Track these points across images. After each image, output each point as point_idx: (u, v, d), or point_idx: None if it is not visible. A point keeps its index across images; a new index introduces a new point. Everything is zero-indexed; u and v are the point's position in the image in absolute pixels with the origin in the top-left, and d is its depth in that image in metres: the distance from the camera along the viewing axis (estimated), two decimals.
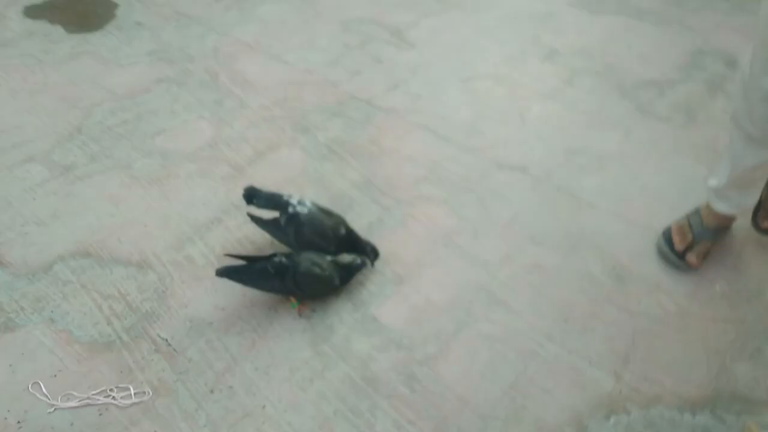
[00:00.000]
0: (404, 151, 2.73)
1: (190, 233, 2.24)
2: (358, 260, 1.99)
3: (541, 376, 1.82)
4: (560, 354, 1.88)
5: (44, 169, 2.49)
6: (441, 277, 2.13)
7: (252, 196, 2.11)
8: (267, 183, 2.47)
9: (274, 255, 1.92)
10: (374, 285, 2.08)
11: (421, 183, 2.56)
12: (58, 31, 3.54)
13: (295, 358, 1.82)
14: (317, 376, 1.78)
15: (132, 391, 1.68)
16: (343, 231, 2.08)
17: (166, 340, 1.85)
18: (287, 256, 1.92)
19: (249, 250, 2.18)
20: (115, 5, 3.86)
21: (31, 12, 3.71)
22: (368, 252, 2.07)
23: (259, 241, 2.21)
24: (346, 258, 1.99)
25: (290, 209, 2.04)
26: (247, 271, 1.90)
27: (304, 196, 2.13)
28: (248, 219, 2.11)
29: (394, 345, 1.88)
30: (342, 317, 1.96)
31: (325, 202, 2.31)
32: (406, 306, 2.01)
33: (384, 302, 2.02)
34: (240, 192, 2.25)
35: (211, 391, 1.72)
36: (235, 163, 2.59)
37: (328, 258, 1.96)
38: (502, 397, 1.75)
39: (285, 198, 2.08)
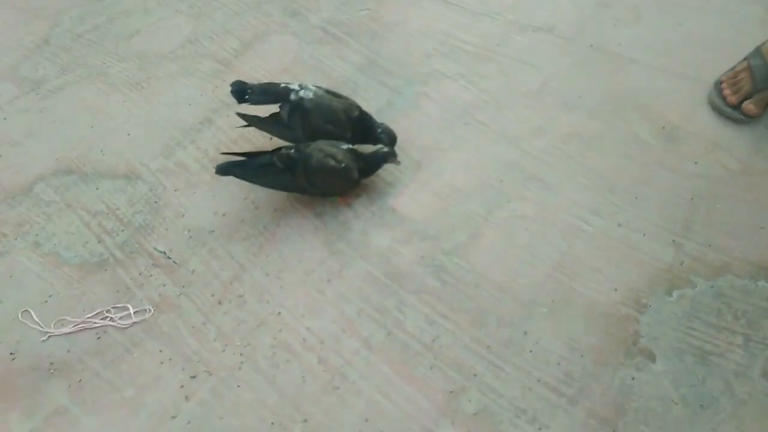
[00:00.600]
0: (410, 25, 2.39)
1: (179, 137, 1.99)
2: (384, 149, 1.72)
3: (589, 254, 1.60)
4: (609, 228, 1.65)
5: (12, 86, 2.23)
6: (464, 158, 1.87)
7: (242, 91, 1.80)
8: (258, 76, 2.19)
9: (280, 148, 1.68)
10: (390, 174, 1.83)
11: (432, 58, 2.24)
12: None
13: (309, 260, 1.63)
14: (335, 276, 1.58)
15: (131, 310, 1.52)
16: (356, 113, 1.80)
17: (165, 253, 1.67)
18: (296, 148, 1.68)
19: (246, 150, 1.93)
20: None
21: None
22: (383, 137, 1.80)
23: (257, 140, 1.96)
24: (367, 148, 1.73)
25: (292, 96, 1.76)
26: (251, 166, 1.66)
27: (305, 81, 1.84)
28: (236, 117, 1.85)
29: (418, 236, 1.67)
30: (357, 211, 1.74)
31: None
32: (427, 193, 1.78)
33: (402, 191, 1.79)
34: (227, 89, 1.98)
35: (219, 302, 1.54)
36: (220, 57, 2.29)
37: (344, 147, 1.70)
38: (545, 281, 1.55)
39: (283, 86, 1.79)
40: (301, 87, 1.77)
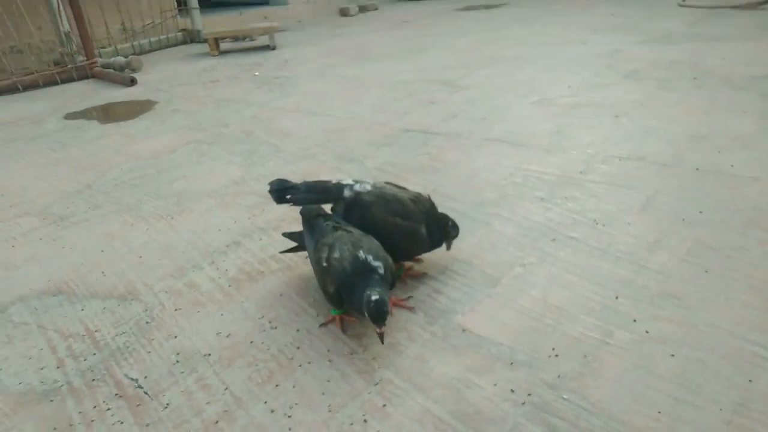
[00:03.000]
0: (474, 163, 2.13)
1: (198, 259, 1.64)
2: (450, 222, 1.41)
3: None
4: None
5: (36, 220, 2.04)
6: (557, 274, 1.38)
7: (283, 189, 1.47)
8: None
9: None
10: (455, 290, 1.36)
11: (502, 184, 1.91)
12: (92, 124, 3.36)
13: (338, 392, 1.08)
14: (375, 416, 1.02)
15: None
16: (428, 204, 1.42)
17: (136, 381, 1.17)
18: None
19: (274, 270, 1.54)
20: (155, 102, 3.72)
21: (70, 115, 3.61)
22: (454, 231, 1.40)
23: (291, 261, 1.57)
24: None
25: (347, 192, 1.41)
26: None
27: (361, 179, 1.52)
28: (276, 238, 1.51)
29: (502, 363, 1.11)
30: (410, 333, 1.23)
31: None
32: (510, 311, 1.26)
33: (474, 308, 1.29)
34: (268, 216, 1.71)
35: None
36: (263, 194, 2.05)
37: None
38: (722, 427, 0.92)
39: (335, 183, 1.45)
40: (357, 182, 1.44)
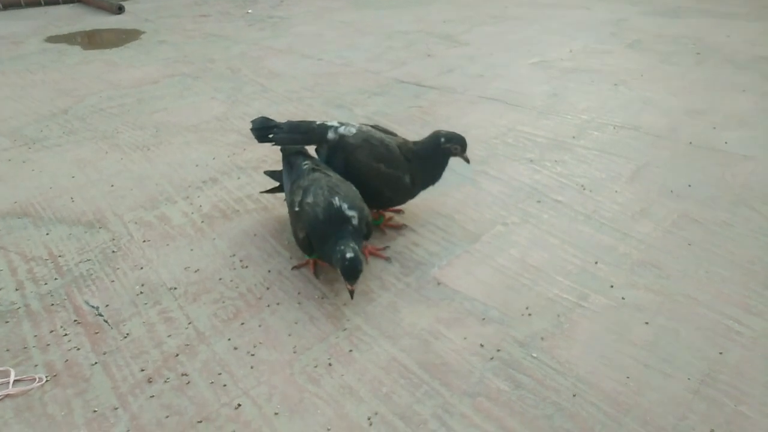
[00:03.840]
0: (466, 119, 2.07)
1: (172, 192, 1.58)
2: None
3: (754, 364, 0.97)
4: None
5: (6, 141, 1.95)
6: (539, 235, 1.35)
7: (266, 128, 1.40)
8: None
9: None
10: (434, 243, 1.32)
11: (492, 143, 1.87)
12: (74, 49, 3.22)
13: (304, 334, 1.05)
14: (340, 360, 0.99)
15: (11, 378, 0.94)
16: (411, 145, 1.36)
17: (96, 309, 1.13)
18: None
19: (250, 209, 1.49)
20: (142, 32, 3.57)
21: (52, 39, 3.45)
22: (451, 146, 1.35)
23: (268, 203, 1.52)
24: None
25: (330, 135, 1.35)
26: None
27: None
28: (255, 178, 1.46)
29: (474, 318, 1.09)
30: (384, 281, 1.20)
31: None
32: (487, 268, 1.24)
33: (452, 263, 1.26)
34: (248, 156, 1.64)
35: (150, 380, 0.96)
36: (246, 133, 1.98)
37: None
38: (692, 399, 0.91)
39: (319, 123, 1.39)
40: (342, 124, 1.37)
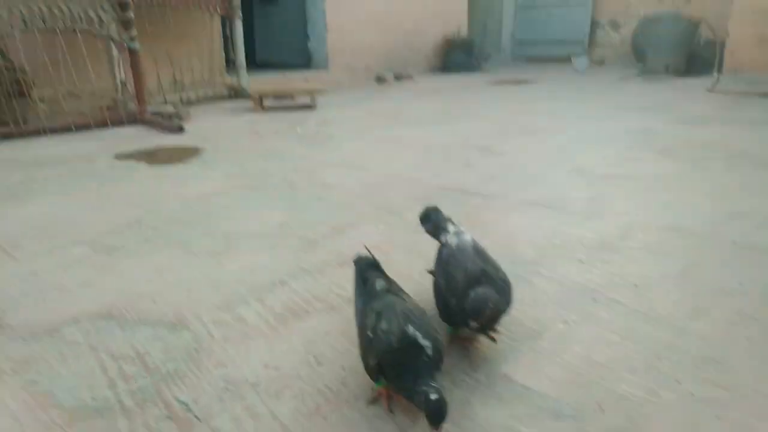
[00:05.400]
0: (511, 223, 2.19)
1: (245, 294, 1.69)
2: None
3: None
4: None
5: (88, 249, 2.13)
6: (600, 333, 1.40)
7: (429, 216, 1.64)
8: (344, 252, 1.96)
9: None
10: (498, 341, 1.38)
11: (539, 244, 1.96)
12: (140, 165, 3.53)
13: (384, 429, 1.10)
14: None
15: None
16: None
17: (186, 405, 1.20)
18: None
19: (319, 309, 1.59)
20: (202, 149, 3.90)
21: (120, 156, 3.80)
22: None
23: (334, 300, 1.62)
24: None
25: (443, 238, 1.50)
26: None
27: (464, 228, 1.55)
28: (319, 280, 1.58)
29: (548, 414, 1.12)
30: (454, 377, 1.25)
31: (419, 269, 1.76)
32: (554, 366, 1.28)
33: (518, 360, 1.31)
34: (311, 259, 1.78)
35: None
36: (307, 238, 2.13)
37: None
38: None
39: (445, 220, 1.59)
40: (456, 232, 1.49)
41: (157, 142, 4.19)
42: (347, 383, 1.25)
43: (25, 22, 4.41)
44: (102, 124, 4.77)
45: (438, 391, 1.02)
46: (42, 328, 1.55)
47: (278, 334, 1.46)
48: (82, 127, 4.67)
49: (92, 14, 4.74)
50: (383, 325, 1.13)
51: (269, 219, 2.38)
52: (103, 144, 4.16)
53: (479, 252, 1.40)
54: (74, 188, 2.96)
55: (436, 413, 1.01)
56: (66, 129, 4.54)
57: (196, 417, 1.16)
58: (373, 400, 1.18)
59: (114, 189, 2.96)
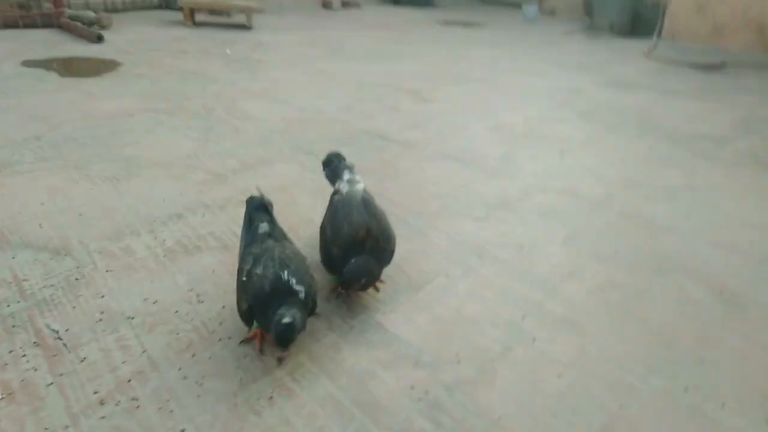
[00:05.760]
0: (424, 174, 2.23)
1: (137, 226, 1.66)
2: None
3: (649, 419, 1.11)
4: (672, 391, 1.18)
5: None
6: (476, 289, 1.49)
7: (330, 161, 1.68)
8: (251, 189, 1.94)
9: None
10: (381, 290, 1.44)
11: (444, 198, 2.02)
12: (50, 75, 3.29)
13: (250, 368, 1.14)
14: (282, 395, 1.09)
15: None
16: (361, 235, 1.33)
17: (57, 332, 1.20)
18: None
19: (212, 247, 1.58)
20: (120, 64, 3.67)
21: (28, 63, 3.52)
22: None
23: (228, 239, 1.62)
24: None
25: (337, 185, 1.54)
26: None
27: (359, 178, 1.56)
28: (219, 217, 1.56)
29: (409, 361, 1.20)
30: (331, 322, 1.31)
31: (321, 209, 1.77)
32: (426, 316, 1.36)
33: (395, 309, 1.37)
34: (215, 194, 1.75)
35: (102, 403, 1.03)
36: (215, 172, 2.09)
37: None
38: None
39: (343, 167, 1.61)
40: (350, 180, 1.52)
41: (72, 51, 3.90)
42: (225, 322, 1.27)
43: None
44: (12, 24, 4.36)
45: (293, 317, 1.06)
46: None
47: (164, 269, 1.46)
48: None
49: None
50: (258, 269, 1.15)
51: (178, 147, 2.31)
52: (11, 47, 3.83)
53: (367, 204, 1.42)
54: None
55: (283, 333, 1.04)
56: None
57: (64, 345, 1.17)
58: (247, 341, 1.22)
59: (16, 99, 2.77)
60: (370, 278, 1.31)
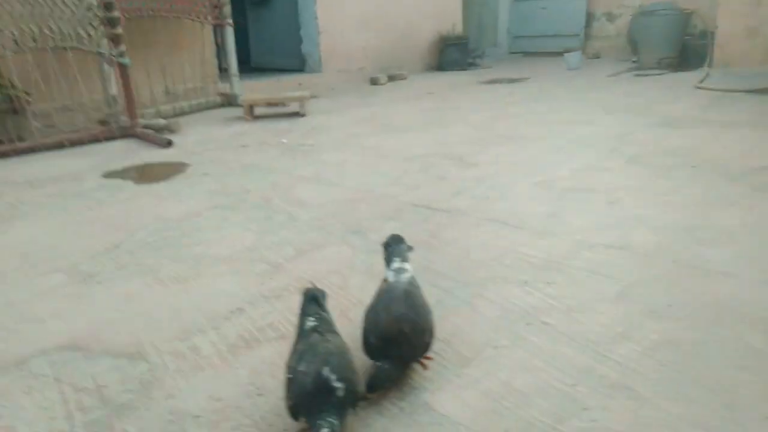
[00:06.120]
0: (469, 241, 2.28)
1: (202, 323, 1.80)
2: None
3: None
4: None
5: (64, 277, 2.25)
6: (525, 359, 1.50)
7: (388, 245, 1.73)
8: (303, 278, 2.06)
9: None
10: (428, 369, 1.48)
11: (490, 264, 2.05)
12: (127, 183, 3.65)
13: None
14: None
15: None
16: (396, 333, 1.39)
17: None
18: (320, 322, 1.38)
19: (270, 338, 1.69)
20: (188, 165, 4.01)
21: (108, 174, 3.92)
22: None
23: (285, 329, 1.73)
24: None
25: (386, 271, 1.60)
26: None
27: (408, 266, 1.60)
28: (276, 306, 1.68)
29: None
30: (381, 406, 1.35)
31: (371, 290, 1.85)
32: (475, 392, 1.38)
33: (443, 387, 1.41)
34: (273, 285, 1.88)
35: None
36: (273, 262, 2.24)
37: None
38: None
39: (395, 253, 1.65)
40: (398, 270, 1.56)
41: (146, 158, 4.31)
42: (282, 414, 1.35)
43: (16, 42, 4.54)
44: (94, 140, 4.90)
45: (331, 426, 1.11)
46: (11, 360, 1.67)
47: (228, 365, 1.57)
48: (76, 143, 4.81)
49: (82, 32, 4.86)
50: (302, 366, 1.23)
51: (240, 241, 2.49)
52: (93, 161, 4.28)
53: (408, 295, 1.48)
54: (60, 211, 3.08)
55: None
56: (59, 146, 4.68)
57: None
58: None
59: (98, 211, 3.09)
60: (390, 385, 1.37)
